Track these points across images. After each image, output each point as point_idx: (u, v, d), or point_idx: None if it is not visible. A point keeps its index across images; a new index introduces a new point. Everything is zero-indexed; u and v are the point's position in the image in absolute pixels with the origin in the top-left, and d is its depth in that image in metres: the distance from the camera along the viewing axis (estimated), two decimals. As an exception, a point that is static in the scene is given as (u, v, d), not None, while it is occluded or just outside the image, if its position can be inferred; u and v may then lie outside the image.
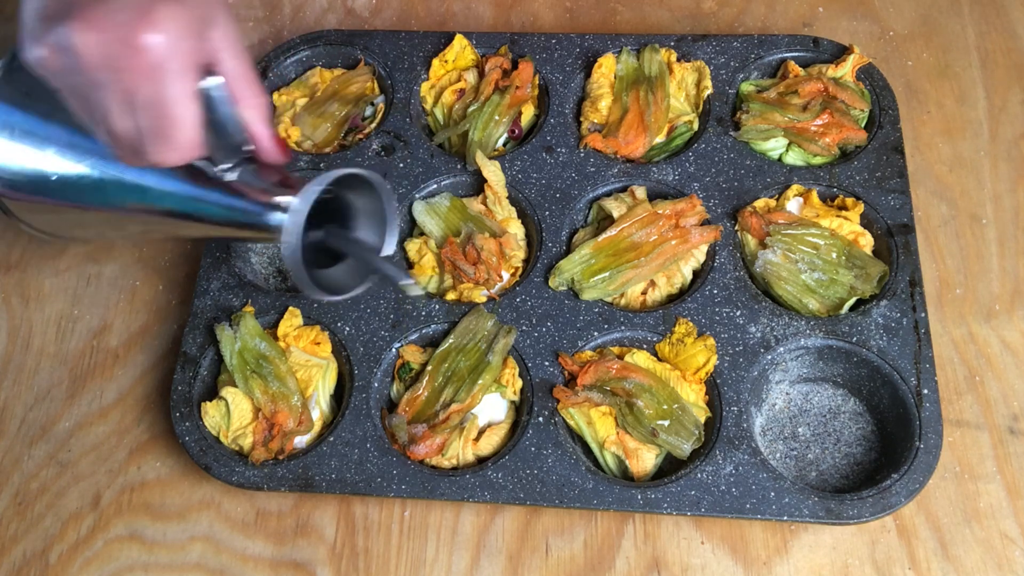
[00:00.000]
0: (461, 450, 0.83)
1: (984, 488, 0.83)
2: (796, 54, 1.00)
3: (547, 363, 0.85)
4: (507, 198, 0.94)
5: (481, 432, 0.84)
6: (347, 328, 0.88)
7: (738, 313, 0.86)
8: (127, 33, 0.62)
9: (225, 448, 0.84)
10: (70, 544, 0.85)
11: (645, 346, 0.86)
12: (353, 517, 0.85)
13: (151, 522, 0.85)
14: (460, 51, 1.01)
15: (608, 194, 0.93)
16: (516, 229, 0.93)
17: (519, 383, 0.85)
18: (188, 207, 0.72)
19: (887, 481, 0.79)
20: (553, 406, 0.83)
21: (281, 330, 0.88)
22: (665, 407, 0.82)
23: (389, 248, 0.74)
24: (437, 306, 0.88)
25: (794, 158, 0.95)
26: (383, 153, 0.97)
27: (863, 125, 0.96)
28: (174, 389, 0.85)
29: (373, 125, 1.00)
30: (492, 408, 0.85)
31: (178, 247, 0.99)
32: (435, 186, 0.95)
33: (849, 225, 0.89)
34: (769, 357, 0.85)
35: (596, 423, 0.83)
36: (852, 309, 0.87)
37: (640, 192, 0.92)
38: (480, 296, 0.89)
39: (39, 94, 0.69)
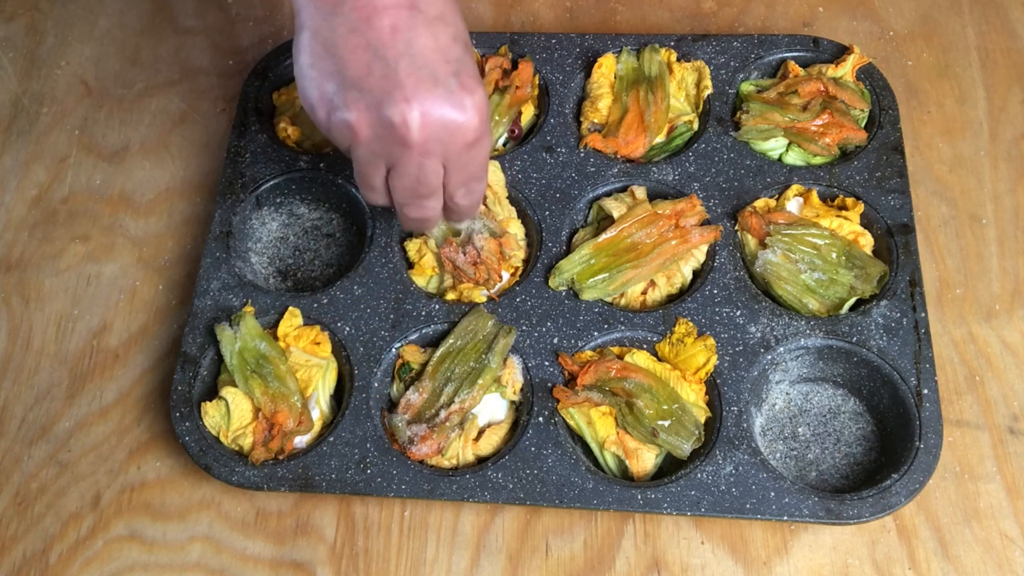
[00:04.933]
0: (461, 450, 0.83)
1: (984, 488, 0.83)
2: (796, 54, 1.00)
3: (547, 363, 0.85)
4: (507, 198, 0.94)
5: (481, 432, 0.84)
6: (347, 328, 0.88)
7: (738, 313, 0.86)
8: (456, 116, 0.70)
9: (225, 448, 0.84)
10: (70, 544, 0.85)
11: (645, 346, 0.86)
12: (353, 517, 0.85)
13: (151, 522, 0.85)
14: (460, 51, 1.01)
15: (608, 194, 0.93)
16: (516, 229, 0.93)
17: (519, 383, 0.85)
18: None
19: (887, 481, 0.79)
20: (553, 406, 0.83)
21: (281, 330, 0.87)
22: (665, 407, 0.82)
23: None
24: (437, 306, 0.88)
25: (794, 158, 0.95)
26: (383, 153, 0.97)
27: (863, 125, 0.96)
28: (174, 389, 0.85)
29: (373, 125, 1.00)
30: (492, 408, 0.85)
31: (178, 247, 0.99)
32: (435, 186, 0.95)
33: (849, 225, 0.89)
34: (769, 357, 0.85)
35: (596, 423, 0.83)
36: (852, 309, 0.87)
37: (640, 192, 0.92)
38: (480, 296, 0.89)
39: None
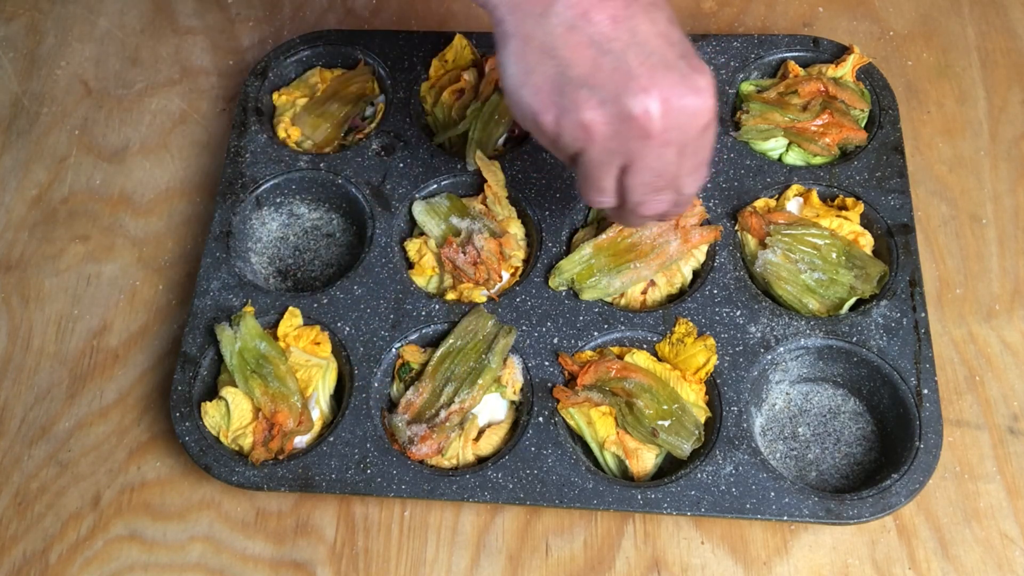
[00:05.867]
0: (461, 450, 0.83)
1: (984, 488, 0.83)
2: (796, 54, 1.00)
3: (547, 363, 0.85)
4: (507, 198, 0.94)
5: (481, 432, 0.84)
6: (347, 328, 0.88)
7: (738, 313, 0.86)
8: (693, 100, 0.67)
9: (225, 448, 0.84)
10: (70, 544, 0.85)
11: (645, 346, 0.86)
12: (353, 517, 0.85)
13: (151, 522, 0.85)
14: (460, 51, 1.01)
15: (608, 194, 0.93)
16: (516, 229, 0.93)
17: (519, 383, 0.85)
18: None
19: (887, 481, 0.79)
20: (553, 406, 0.83)
21: (281, 330, 0.87)
22: (665, 407, 0.82)
23: None
24: (437, 306, 0.88)
25: (794, 158, 0.95)
26: (383, 153, 0.97)
27: (863, 125, 0.96)
28: (174, 389, 0.85)
29: (373, 125, 1.00)
30: (492, 408, 0.85)
31: (178, 247, 0.99)
32: (435, 186, 0.95)
33: (849, 225, 0.89)
34: (769, 357, 0.85)
35: (596, 423, 0.83)
36: (852, 309, 0.87)
37: (640, 192, 0.92)
38: (480, 296, 0.89)
39: None
